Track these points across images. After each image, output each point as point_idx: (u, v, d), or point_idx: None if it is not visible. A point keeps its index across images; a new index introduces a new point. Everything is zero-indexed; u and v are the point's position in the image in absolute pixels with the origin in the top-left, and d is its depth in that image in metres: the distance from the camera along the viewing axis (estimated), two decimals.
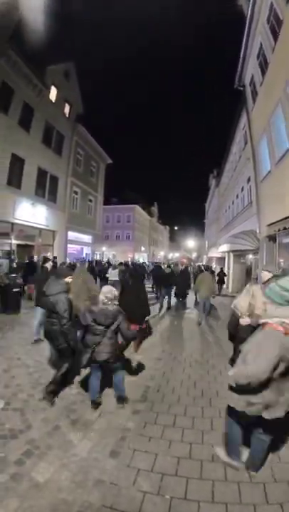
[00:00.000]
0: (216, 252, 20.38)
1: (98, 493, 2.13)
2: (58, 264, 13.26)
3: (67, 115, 18.21)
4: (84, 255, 22.06)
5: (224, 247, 15.18)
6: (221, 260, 19.31)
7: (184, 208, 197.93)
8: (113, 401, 3.54)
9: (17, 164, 13.24)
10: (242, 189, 14.08)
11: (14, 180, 13.09)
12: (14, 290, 8.00)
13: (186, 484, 2.21)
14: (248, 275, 14.84)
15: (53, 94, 16.30)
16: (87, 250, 23.08)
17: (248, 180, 12.44)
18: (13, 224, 13.19)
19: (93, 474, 2.33)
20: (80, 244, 21.63)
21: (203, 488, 2.17)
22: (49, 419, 3.12)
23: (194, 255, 54.95)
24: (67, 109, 18.21)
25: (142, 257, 44.77)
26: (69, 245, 19.31)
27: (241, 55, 11.14)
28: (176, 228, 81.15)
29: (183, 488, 2.17)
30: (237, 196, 15.50)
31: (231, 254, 15.51)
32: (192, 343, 6.20)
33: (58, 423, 3.05)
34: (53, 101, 16.36)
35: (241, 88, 12.30)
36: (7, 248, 13.26)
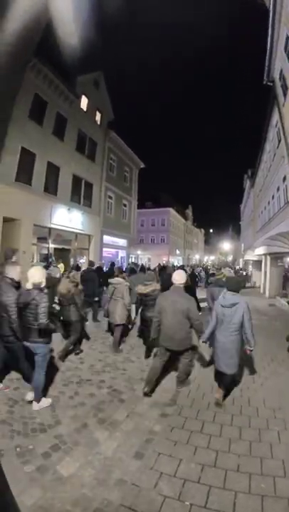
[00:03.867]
0: (252, 255, 19.58)
1: (119, 492, 2.15)
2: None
3: (98, 122, 18.78)
4: (119, 259, 22.51)
5: (260, 250, 14.54)
6: (257, 263, 18.49)
7: (219, 210, 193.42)
8: (143, 403, 3.55)
9: (53, 172, 13.96)
10: (278, 189, 13.42)
11: (51, 187, 13.82)
12: None
13: (207, 493, 2.13)
14: (286, 279, 14.06)
15: (84, 103, 16.93)
16: (122, 254, 23.50)
17: (284, 179, 11.82)
18: (50, 229, 13.90)
19: (116, 473, 2.35)
20: (115, 248, 22.09)
21: (226, 498, 2.08)
22: (78, 416, 3.21)
23: (230, 258, 53.36)
24: (98, 116, 18.78)
25: (176, 260, 44.46)
26: (104, 249, 19.81)
27: (268, 50, 10.73)
28: (211, 231, 79.68)
29: (204, 497, 2.09)
30: (273, 197, 14.80)
31: (268, 257, 14.81)
32: None
33: (86, 421, 3.12)
34: (85, 110, 16.99)
35: (271, 84, 11.79)
36: (45, 252, 14.01)
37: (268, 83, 11.88)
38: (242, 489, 2.15)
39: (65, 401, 3.53)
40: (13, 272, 3.67)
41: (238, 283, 4.21)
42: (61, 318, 5.24)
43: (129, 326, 6.40)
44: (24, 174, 11.95)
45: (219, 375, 3.73)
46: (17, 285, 3.64)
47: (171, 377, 4.42)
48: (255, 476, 2.29)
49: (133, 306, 5.94)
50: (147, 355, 5.24)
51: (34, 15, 0.83)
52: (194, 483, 2.23)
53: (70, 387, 3.94)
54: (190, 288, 5.70)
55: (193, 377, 4.42)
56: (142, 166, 25.49)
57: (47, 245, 14.04)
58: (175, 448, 2.71)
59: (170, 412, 3.39)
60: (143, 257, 37.30)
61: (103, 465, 2.45)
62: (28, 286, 3.33)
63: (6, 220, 10.94)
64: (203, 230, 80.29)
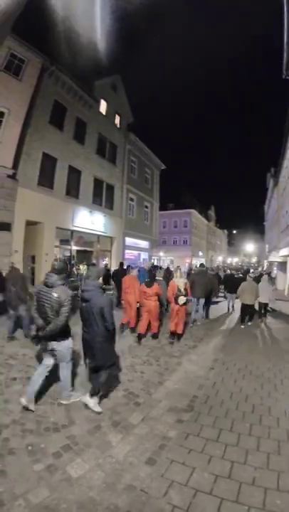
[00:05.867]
0: (276, 257, 18.83)
1: (127, 498, 2.10)
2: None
3: (118, 125, 18.99)
4: (141, 260, 22.54)
5: (285, 251, 13.96)
6: (282, 265, 17.75)
7: (243, 211, 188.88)
8: (159, 407, 3.50)
9: (74, 175, 14.31)
10: None
11: (72, 190, 14.17)
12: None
13: (219, 505, 2.02)
14: None
15: (103, 107, 17.20)
16: (144, 256, 23.52)
17: None
18: (72, 231, 14.23)
19: (126, 478, 2.30)
20: (137, 250, 22.16)
21: None
22: (92, 418, 3.19)
23: (254, 260, 51.97)
24: (117, 119, 19.00)
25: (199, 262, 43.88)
26: (126, 251, 19.92)
27: (285, 42, 10.21)
28: (234, 232, 78.03)
29: (215, 510, 1.99)
30: None
31: None
32: (248, 354, 5.79)
33: (100, 423, 3.10)
34: (104, 113, 17.26)
35: None
36: (68, 254, 14.33)
37: (287, 77, 11.36)
38: (256, 504, 2.03)
39: (80, 402, 3.53)
40: None
41: None
42: None
43: None
44: (46, 178, 12.36)
45: None
46: None
47: (190, 381, 4.32)
48: (270, 491, 2.16)
49: None
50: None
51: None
52: (206, 495, 2.13)
53: (87, 388, 3.94)
54: None
55: (212, 382, 4.29)
56: (163, 167, 25.44)
57: (69, 247, 14.36)
58: (189, 456, 2.62)
59: (186, 418, 3.30)
60: (165, 258, 37.15)
61: (113, 469, 2.41)
62: None
63: (29, 223, 11.34)
64: (226, 231, 78.79)
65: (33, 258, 12.28)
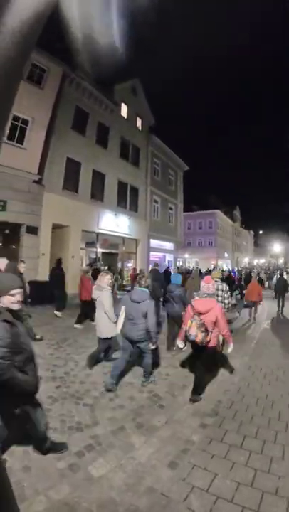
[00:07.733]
0: None
1: (147, 500, 2.11)
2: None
3: (140, 128, 19.15)
4: (166, 262, 22.50)
5: None
6: None
7: (269, 210, 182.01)
8: (183, 410, 3.48)
9: (98, 179, 14.65)
10: None
11: (97, 193, 14.50)
12: None
13: None
14: None
15: (124, 110, 17.39)
16: (169, 257, 23.48)
17: None
18: (98, 234, 14.54)
19: (147, 481, 2.31)
20: (162, 252, 22.16)
21: None
22: (116, 418, 3.24)
23: (281, 261, 49.91)
24: (139, 122, 19.15)
25: (225, 264, 42.93)
26: (151, 253, 19.99)
27: None
28: (260, 232, 75.56)
29: None
30: None
31: None
32: (275, 358, 5.57)
33: (124, 424, 3.14)
34: (125, 117, 17.47)
35: None
36: (93, 256, 14.66)
37: None
38: None
39: (105, 402, 3.60)
40: None
41: None
42: None
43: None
44: (71, 182, 12.76)
45: None
46: None
47: (215, 385, 4.25)
48: None
49: None
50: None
51: (30, 16, 0.84)
52: (227, 502, 2.09)
53: None
54: None
55: (238, 387, 4.19)
56: (186, 168, 25.25)
57: (95, 250, 14.67)
58: (211, 461, 2.57)
59: (210, 422, 3.24)
60: (191, 260, 36.75)
61: (135, 470, 2.43)
62: None
63: (55, 226, 11.74)
64: (252, 232, 76.44)
65: (60, 261, 12.64)
